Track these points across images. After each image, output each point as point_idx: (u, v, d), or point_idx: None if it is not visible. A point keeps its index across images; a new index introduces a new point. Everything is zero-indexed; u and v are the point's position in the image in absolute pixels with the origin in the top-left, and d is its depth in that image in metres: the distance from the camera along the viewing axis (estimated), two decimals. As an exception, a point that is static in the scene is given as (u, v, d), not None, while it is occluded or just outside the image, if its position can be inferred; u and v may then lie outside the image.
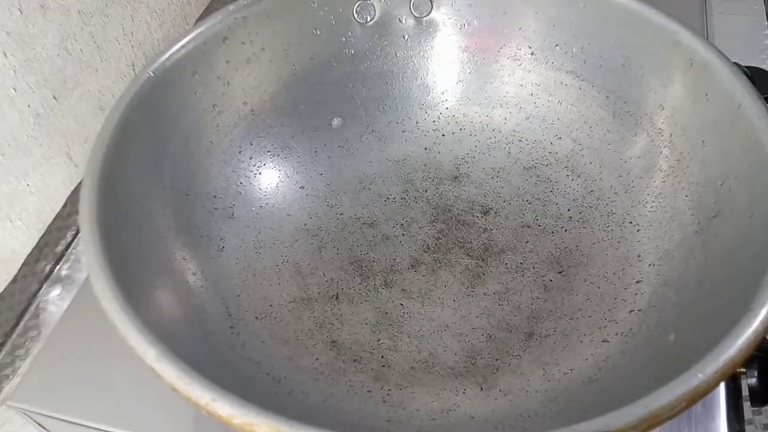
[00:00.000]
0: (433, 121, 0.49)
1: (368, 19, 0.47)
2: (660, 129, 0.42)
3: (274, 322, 0.40)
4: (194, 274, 0.39)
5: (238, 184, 0.45)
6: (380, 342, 0.40)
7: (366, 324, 0.41)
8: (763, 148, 0.35)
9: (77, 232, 0.51)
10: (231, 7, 0.43)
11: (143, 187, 0.39)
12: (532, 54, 0.47)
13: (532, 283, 0.42)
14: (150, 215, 0.38)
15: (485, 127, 0.49)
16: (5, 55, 0.43)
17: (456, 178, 0.48)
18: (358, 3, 0.47)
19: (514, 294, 0.42)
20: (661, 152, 0.42)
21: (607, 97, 0.45)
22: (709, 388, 0.27)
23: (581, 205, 0.45)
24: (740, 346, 0.28)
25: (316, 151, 0.48)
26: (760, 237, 0.33)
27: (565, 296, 0.41)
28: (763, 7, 0.66)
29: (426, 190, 0.48)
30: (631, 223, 0.43)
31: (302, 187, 0.47)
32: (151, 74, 0.40)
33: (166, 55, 0.41)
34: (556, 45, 0.46)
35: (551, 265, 0.43)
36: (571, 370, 0.37)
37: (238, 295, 0.41)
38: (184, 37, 0.42)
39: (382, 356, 0.39)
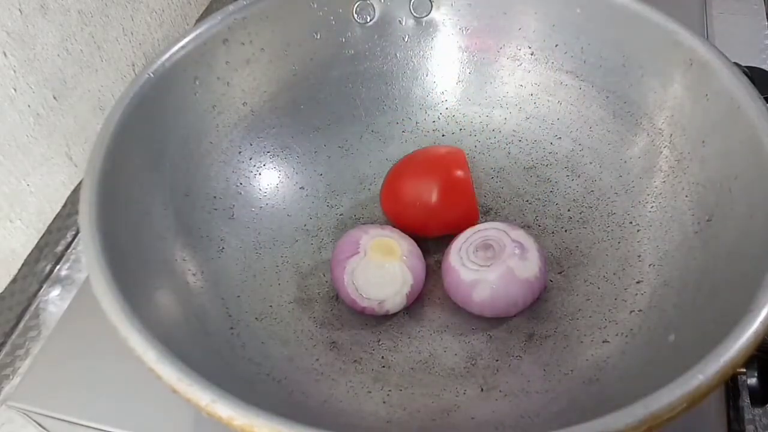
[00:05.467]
0: (433, 121, 0.49)
1: (368, 20, 0.47)
2: (660, 129, 0.43)
3: (274, 322, 0.40)
4: (194, 275, 0.39)
5: (238, 184, 0.45)
6: (380, 342, 0.40)
7: (366, 324, 0.41)
8: (763, 148, 0.35)
9: (77, 232, 0.51)
10: (231, 7, 0.43)
11: (143, 188, 0.39)
12: (532, 54, 0.47)
13: (532, 284, 0.42)
14: (150, 216, 0.38)
15: (485, 127, 0.49)
16: (5, 55, 0.43)
17: (456, 178, 0.48)
18: (357, 3, 0.47)
19: (514, 294, 0.42)
20: (661, 152, 0.42)
21: (607, 97, 0.45)
22: (710, 389, 0.27)
23: (581, 205, 0.45)
24: (740, 346, 0.28)
25: (316, 152, 0.48)
26: (760, 237, 0.33)
27: (565, 296, 0.41)
28: (763, 7, 0.66)
29: (426, 191, 0.48)
30: (631, 223, 0.43)
31: (302, 188, 0.47)
32: (151, 75, 0.40)
33: (166, 55, 0.41)
34: (556, 45, 0.46)
35: (551, 265, 0.43)
36: (571, 370, 0.37)
37: (238, 296, 0.41)
38: (184, 37, 0.42)
39: (382, 357, 0.39)
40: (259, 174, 0.46)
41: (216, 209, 0.43)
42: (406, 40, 0.48)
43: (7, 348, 0.47)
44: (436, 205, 0.42)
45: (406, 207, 0.43)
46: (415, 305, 0.42)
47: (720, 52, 0.39)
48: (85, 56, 0.50)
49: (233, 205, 0.44)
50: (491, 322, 0.41)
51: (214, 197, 0.43)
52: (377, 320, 0.41)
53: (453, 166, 0.43)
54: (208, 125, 0.43)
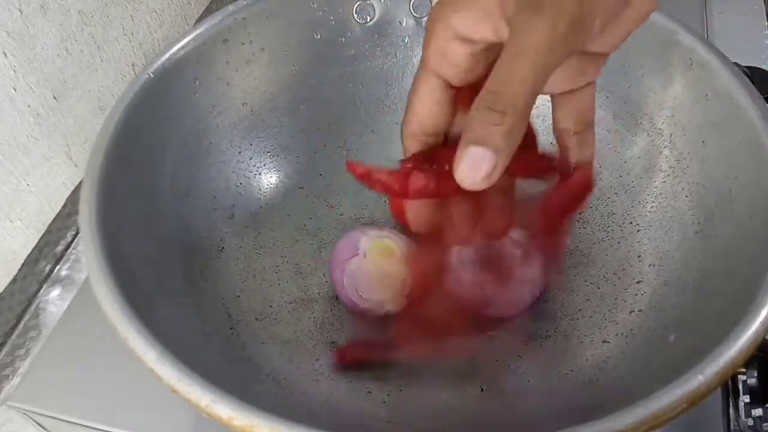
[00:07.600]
0: (433, 122, 0.49)
1: (368, 20, 0.47)
2: (660, 129, 0.42)
3: (274, 323, 0.40)
4: (194, 274, 0.39)
5: (238, 184, 0.45)
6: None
7: (366, 325, 0.41)
8: (763, 148, 0.35)
9: (77, 233, 0.51)
10: (231, 7, 0.43)
11: (143, 188, 0.39)
12: (532, 54, 0.47)
13: (532, 284, 0.42)
14: (150, 216, 0.38)
15: (485, 127, 0.49)
16: (5, 55, 0.43)
17: (456, 178, 0.48)
18: (357, 3, 0.46)
19: (514, 294, 0.42)
20: (661, 152, 0.42)
21: (607, 97, 0.45)
22: (710, 389, 0.27)
23: (581, 205, 0.45)
24: (740, 347, 0.28)
25: (315, 152, 0.48)
26: (760, 237, 0.33)
27: (565, 296, 0.41)
28: (763, 7, 0.66)
29: (426, 191, 0.47)
30: (631, 223, 0.43)
31: (302, 188, 0.47)
32: (151, 75, 0.40)
33: (166, 56, 0.41)
34: (556, 45, 0.46)
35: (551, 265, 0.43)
36: (571, 370, 0.37)
37: (238, 296, 0.41)
38: (184, 37, 0.41)
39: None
40: (259, 174, 0.46)
41: (216, 209, 0.43)
42: (406, 40, 0.48)
43: (7, 348, 0.47)
44: None
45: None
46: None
47: (720, 52, 0.39)
48: (85, 56, 0.50)
49: (233, 205, 0.44)
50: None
51: (214, 197, 0.43)
52: (377, 321, 0.41)
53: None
54: (208, 125, 0.43)
